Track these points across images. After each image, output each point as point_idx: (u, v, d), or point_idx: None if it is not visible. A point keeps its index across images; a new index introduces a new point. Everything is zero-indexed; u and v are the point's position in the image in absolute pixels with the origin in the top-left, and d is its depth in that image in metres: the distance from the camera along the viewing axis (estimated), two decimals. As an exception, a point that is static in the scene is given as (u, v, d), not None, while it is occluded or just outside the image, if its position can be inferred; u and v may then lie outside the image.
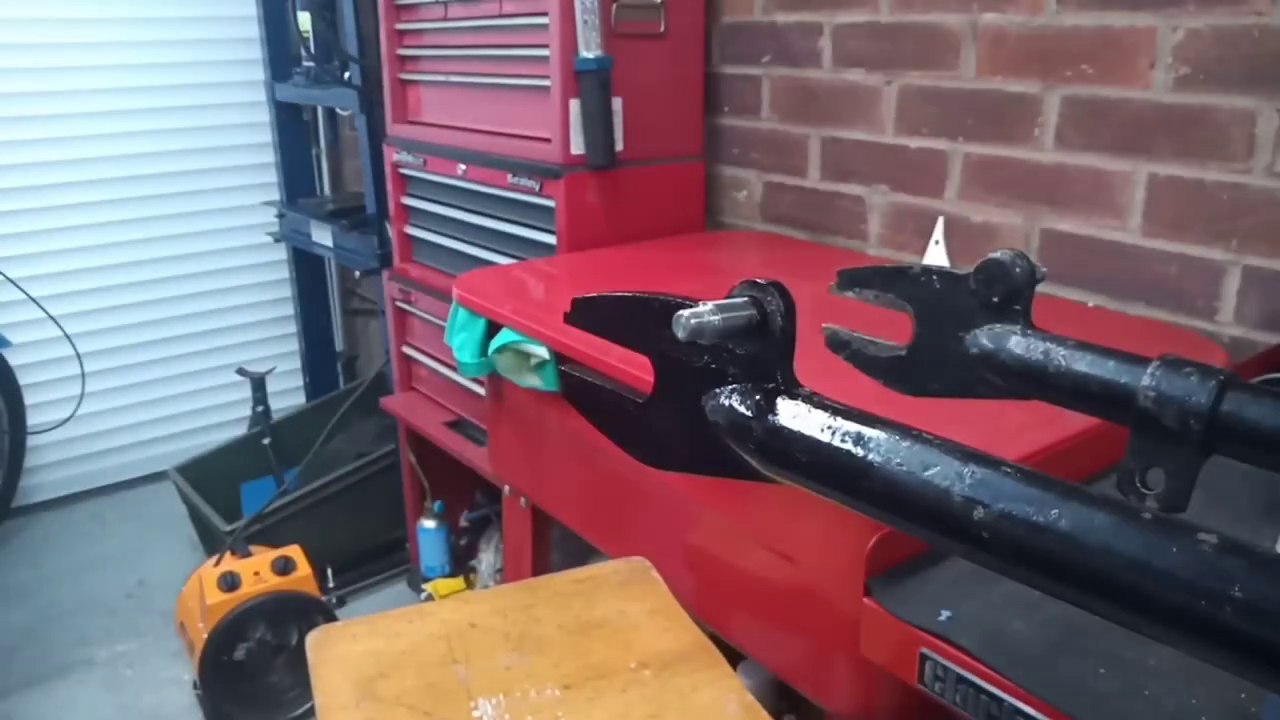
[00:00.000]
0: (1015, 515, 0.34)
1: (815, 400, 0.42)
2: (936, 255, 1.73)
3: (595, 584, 1.18)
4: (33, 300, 2.79)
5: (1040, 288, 0.51)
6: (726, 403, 0.43)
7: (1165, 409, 0.38)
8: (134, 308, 3.23)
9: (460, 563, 2.52)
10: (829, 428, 0.40)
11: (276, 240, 3.25)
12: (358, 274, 3.36)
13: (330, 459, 2.69)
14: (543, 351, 1.42)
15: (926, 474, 0.36)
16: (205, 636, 2.07)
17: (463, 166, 2.10)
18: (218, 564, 2.17)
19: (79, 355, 2.80)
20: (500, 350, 1.49)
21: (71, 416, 2.86)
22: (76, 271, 3.10)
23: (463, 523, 2.53)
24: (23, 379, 2.99)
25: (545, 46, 1.83)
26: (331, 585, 2.61)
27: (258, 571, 2.15)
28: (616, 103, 1.86)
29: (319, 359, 3.51)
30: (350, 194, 3.28)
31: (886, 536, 0.95)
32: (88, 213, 3.09)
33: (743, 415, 0.42)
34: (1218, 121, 1.35)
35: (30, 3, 2.90)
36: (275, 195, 3.37)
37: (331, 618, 2.22)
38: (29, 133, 2.96)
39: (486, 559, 2.42)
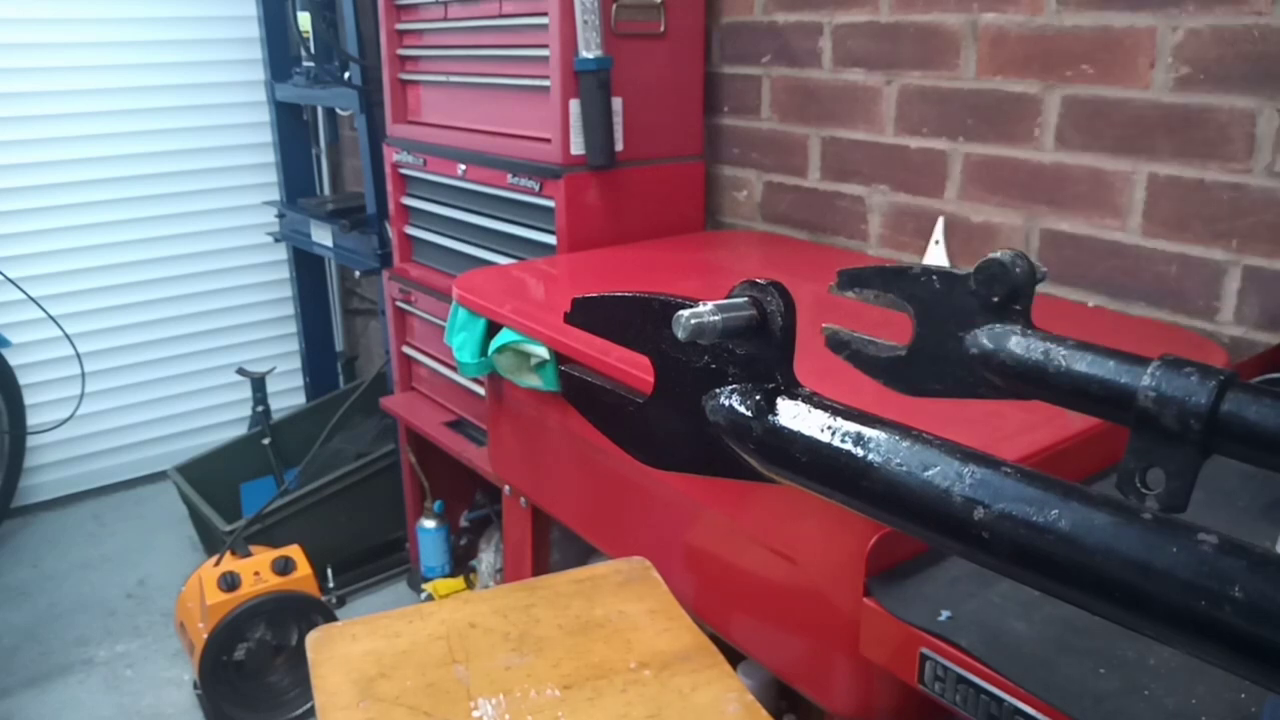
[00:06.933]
0: (1015, 515, 0.34)
1: (815, 400, 0.42)
2: (936, 255, 1.73)
3: (595, 584, 1.18)
4: (33, 300, 2.79)
5: (1040, 288, 0.51)
6: (726, 403, 0.43)
7: (1165, 409, 0.38)
8: (134, 308, 3.23)
9: (460, 563, 2.52)
10: (829, 428, 0.40)
11: (276, 240, 3.25)
12: (358, 274, 3.36)
13: (330, 459, 2.69)
14: (543, 351, 1.42)
15: (926, 474, 0.36)
16: (205, 636, 2.07)
17: (463, 166, 2.10)
18: (218, 564, 2.17)
19: (79, 355, 2.81)
20: (500, 350, 1.49)
21: (71, 416, 2.86)
22: (76, 271, 3.10)
23: (463, 523, 2.53)
24: (23, 379, 2.99)
25: (545, 46, 1.83)
26: (331, 585, 2.62)
27: (258, 571, 2.15)
28: (616, 103, 1.86)
29: (319, 359, 3.51)
30: (350, 194, 3.28)
31: (886, 536, 0.95)
32: (88, 213, 3.09)
33: (743, 415, 0.42)
34: (1218, 121, 1.35)
35: (30, 3, 2.90)
36: (275, 195, 3.37)
37: (331, 618, 2.22)
38: (29, 133, 2.96)
39: (486, 559, 2.42)
